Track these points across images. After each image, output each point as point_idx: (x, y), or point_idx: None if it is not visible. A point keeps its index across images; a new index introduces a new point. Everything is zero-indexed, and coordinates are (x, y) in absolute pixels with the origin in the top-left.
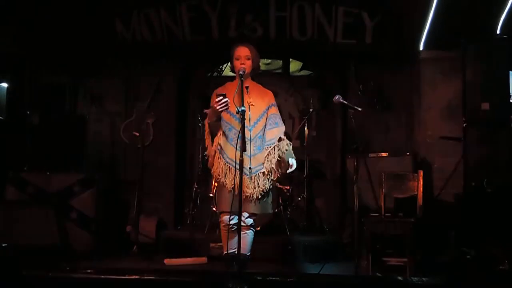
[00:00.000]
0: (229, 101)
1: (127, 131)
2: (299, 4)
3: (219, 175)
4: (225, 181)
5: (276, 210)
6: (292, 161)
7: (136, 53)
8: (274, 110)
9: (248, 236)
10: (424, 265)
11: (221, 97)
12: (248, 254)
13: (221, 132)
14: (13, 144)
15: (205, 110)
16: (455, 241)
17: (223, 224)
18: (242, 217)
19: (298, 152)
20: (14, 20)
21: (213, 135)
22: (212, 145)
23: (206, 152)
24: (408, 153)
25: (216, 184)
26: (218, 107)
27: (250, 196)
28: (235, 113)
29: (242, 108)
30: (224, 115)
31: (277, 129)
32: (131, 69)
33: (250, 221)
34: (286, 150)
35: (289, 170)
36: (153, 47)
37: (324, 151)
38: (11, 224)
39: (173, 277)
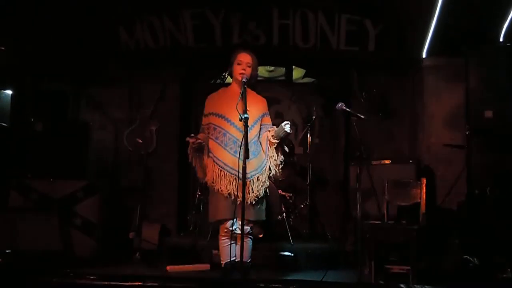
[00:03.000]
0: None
1: (130, 138)
2: (302, 11)
3: (213, 182)
4: (221, 187)
5: (279, 218)
6: (286, 127)
7: (140, 60)
8: (269, 121)
9: (247, 243)
10: (427, 273)
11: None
12: (248, 261)
13: (208, 146)
14: (17, 150)
15: (188, 138)
16: (458, 249)
17: (225, 231)
18: (239, 225)
19: (301, 160)
20: (18, 27)
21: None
22: (201, 168)
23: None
24: (411, 161)
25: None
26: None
27: (245, 201)
28: (232, 120)
29: (245, 115)
30: (220, 121)
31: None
32: (134, 76)
33: (247, 228)
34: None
35: (286, 129)
36: (157, 54)
37: (327, 158)
38: (15, 230)
39: (176, 283)
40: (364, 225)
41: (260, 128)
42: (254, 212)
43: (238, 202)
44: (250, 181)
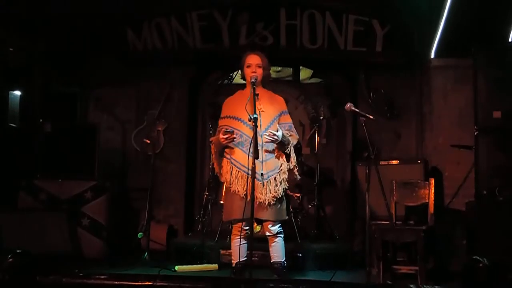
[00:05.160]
0: (235, 137)
1: (138, 138)
2: (309, 12)
3: (231, 184)
4: (237, 188)
5: (286, 218)
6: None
7: (147, 62)
8: (288, 119)
9: (278, 244)
10: (435, 273)
11: (229, 134)
12: (283, 260)
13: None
14: (26, 151)
15: (211, 139)
16: (467, 249)
17: (238, 230)
18: (266, 226)
19: (308, 160)
20: (26, 29)
21: (220, 157)
22: (220, 168)
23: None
24: (419, 161)
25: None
26: (224, 142)
27: (263, 202)
28: (246, 121)
29: (255, 115)
30: (235, 122)
31: (295, 136)
32: (142, 77)
33: (275, 229)
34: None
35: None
36: (164, 55)
37: (334, 158)
38: (24, 230)
39: (185, 283)
40: (372, 225)
41: (278, 128)
42: (274, 212)
43: (257, 204)
44: (267, 181)
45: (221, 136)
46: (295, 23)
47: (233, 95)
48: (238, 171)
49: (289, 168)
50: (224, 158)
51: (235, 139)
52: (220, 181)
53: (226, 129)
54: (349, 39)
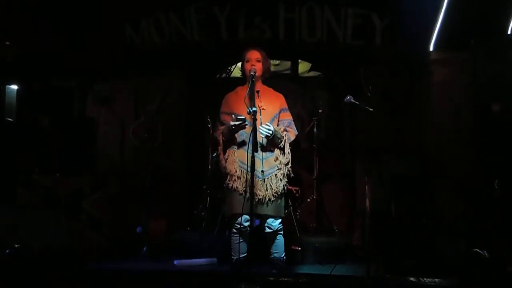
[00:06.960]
0: (247, 124)
1: (136, 133)
2: (308, 5)
3: (229, 180)
4: (237, 185)
5: (285, 212)
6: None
7: (146, 56)
8: (287, 116)
9: (278, 241)
10: (435, 266)
11: (241, 121)
12: (283, 256)
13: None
14: (24, 146)
15: (220, 127)
16: (467, 242)
17: (237, 227)
18: (266, 222)
19: (307, 154)
20: (24, 22)
21: (226, 148)
22: (226, 160)
23: (217, 156)
24: (418, 155)
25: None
26: (235, 128)
27: (262, 198)
28: (247, 117)
29: (254, 108)
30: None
31: (293, 133)
32: (140, 71)
33: (276, 225)
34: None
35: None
36: (162, 49)
37: (333, 152)
38: (22, 226)
39: (184, 278)
40: (372, 219)
41: (278, 125)
42: (274, 208)
43: (256, 200)
44: (268, 178)
45: (231, 123)
46: (293, 16)
47: (233, 91)
48: (239, 168)
49: (284, 162)
50: (230, 149)
51: (246, 126)
52: (219, 176)
53: (238, 115)
54: (348, 32)
